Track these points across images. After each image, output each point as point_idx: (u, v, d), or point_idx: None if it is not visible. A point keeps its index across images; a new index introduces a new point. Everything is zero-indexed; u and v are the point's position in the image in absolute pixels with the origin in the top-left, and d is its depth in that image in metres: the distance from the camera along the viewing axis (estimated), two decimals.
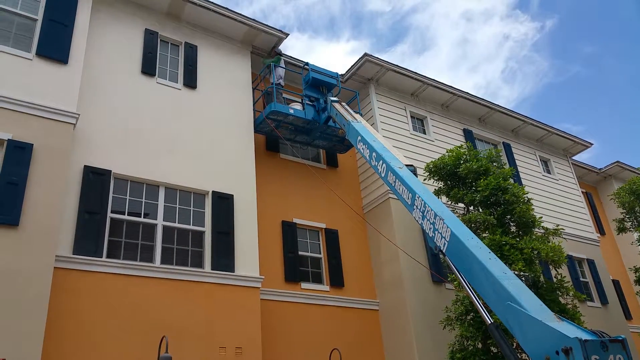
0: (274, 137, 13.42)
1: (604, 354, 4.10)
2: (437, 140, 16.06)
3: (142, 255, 9.82)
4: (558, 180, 19.07)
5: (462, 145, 12.92)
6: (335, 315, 12.34)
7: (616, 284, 19.13)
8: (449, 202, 12.71)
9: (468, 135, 17.08)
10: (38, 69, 9.59)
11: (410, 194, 7.15)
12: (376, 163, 8.39)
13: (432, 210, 6.54)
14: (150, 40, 11.99)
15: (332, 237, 13.35)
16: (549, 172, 19.26)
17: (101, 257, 9.18)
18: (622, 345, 4.21)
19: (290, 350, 11.28)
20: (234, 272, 10.45)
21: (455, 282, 10.91)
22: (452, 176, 12.34)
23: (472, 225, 11.35)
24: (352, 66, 15.21)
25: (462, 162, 12.19)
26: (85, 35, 10.48)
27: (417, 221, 7.02)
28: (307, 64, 13.37)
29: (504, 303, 5.02)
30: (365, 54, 14.89)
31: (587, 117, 60.93)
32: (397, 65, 15.46)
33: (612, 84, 59.34)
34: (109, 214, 9.72)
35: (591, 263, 17.84)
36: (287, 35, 13.62)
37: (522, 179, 17.46)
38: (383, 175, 8.10)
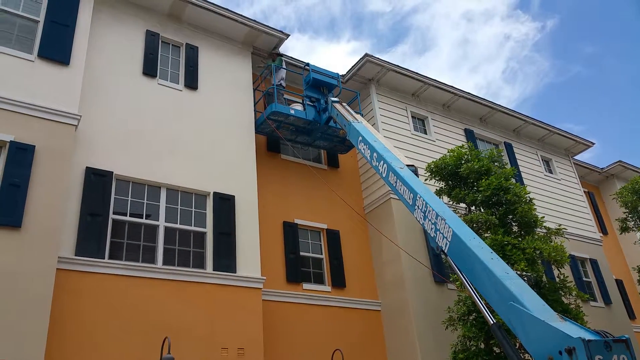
0: (275, 137, 13.42)
1: (608, 354, 4.08)
2: (438, 140, 16.05)
3: (144, 256, 9.83)
4: (560, 180, 19.04)
5: (463, 145, 12.91)
6: (337, 315, 12.33)
7: (619, 283, 19.09)
8: (451, 202, 12.69)
9: (469, 135, 17.06)
10: (40, 71, 9.60)
11: (411, 194, 7.14)
12: (377, 163, 8.38)
13: (433, 210, 6.53)
14: (152, 42, 11.99)
15: (333, 237, 13.34)
16: (550, 171, 19.23)
17: (103, 258, 9.19)
18: (626, 345, 4.20)
19: (292, 351, 11.27)
20: (235, 272, 10.44)
21: (457, 283, 10.89)
22: (453, 176, 12.32)
23: (474, 225, 11.33)
24: (352, 67, 15.20)
25: (463, 162, 12.17)
26: (87, 36, 10.49)
27: (418, 221, 7.00)
28: (307, 64, 13.36)
29: (506, 303, 5.00)
30: (366, 55, 14.89)
31: (588, 116, 60.90)
32: (397, 66, 15.45)
33: (613, 84, 59.30)
34: (111, 215, 9.73)
35: (594, 263, 17.80)
36: (287, 36, 13.63)
37: (523, 179, 17.43)
38: (384, 175, 8.09)
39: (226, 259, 10.49)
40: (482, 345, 10.48)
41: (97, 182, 9.75)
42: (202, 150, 11.44)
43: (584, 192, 20.58)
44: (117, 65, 11.23)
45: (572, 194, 19.01)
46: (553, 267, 11.95)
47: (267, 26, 13.38)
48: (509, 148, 18.10)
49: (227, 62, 13.12)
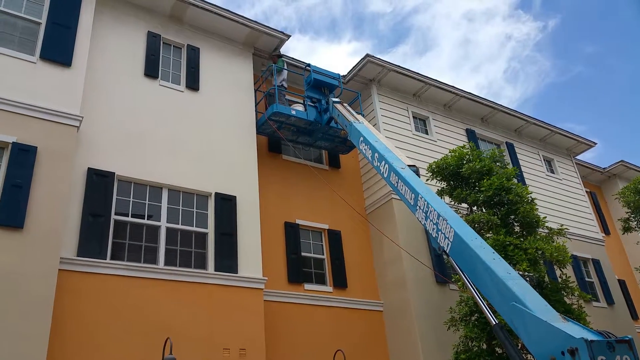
0: (276, 138, 13.43)
1: (611, 355, 4.07)
2: (440, 140, 16.04)
3: (145, 256, 9.84)
4: (562, 180, 19.02)
5: (464, 146, 12.89)
6: (339, 316, 12.33)
7: (622, 283, 19.04)
8: (452, 203, 12.67)
9: (471, 135, 17.05)
10: (42, 72, 9.62)
11: (412, 195, 7.12)
12: (378, 164, 8.37)
13: (435, 210, 6.52)
14: (153, 43, 12.01)
15: (335, 238, 13.34)
16: (552, 171, 19.21)
17: (105, 259, 9.20)
18: (629, 345, 4.18)
19: (293, 351, 11.26)
20: (237, 273, 10.45)
21: (459, 283, 10.89)
22: (455, 176, 12.31)
23: (476, 225, 11.32)
24: (353, 67, 15.20)
25: (465, 162, 12.16)
26: (89, 38, 10.51)
27: (420, 222, 6.99)
28: (308, 65, 13.36)
29: (508, 303, 4.99)
30: (367, 55, 14.89)
31: (590, 116, 60.83)
32: (398, 66, 15.45)
33: (614, 84, 59.23)
34: (113, 216, 9.74)
35: (596, 263, 17.78)
36: (288, 36, 13.63)
37: (525, 179, 17.41)
38: (385, 175, 8.08)
39: (228, 259, 10.49)
40: (484, 346, 10.47)
41: (99, 182, 9.76)
42: (204, 150, 11.45)
43: (586, 192, 20.55)
44: (118, 67, 11.25)
45: (574, 194, 18.98)
46: (555, 267, 11.95)
47: (268, 27, 13.39)
48: (511, 148, 18.08)
49: (229, 63, 13.13)
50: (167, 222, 10.36)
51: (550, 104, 62.56)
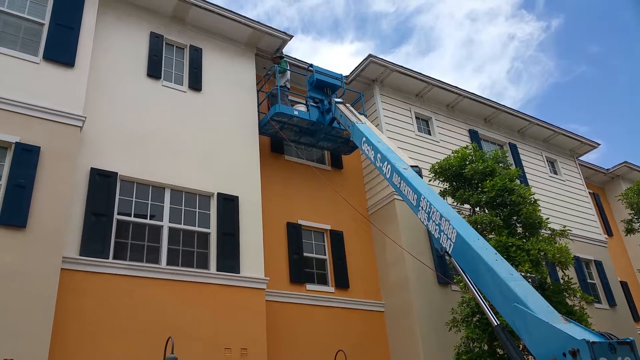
0: (279, 138, 13.44)
1: (612, 356, 4.07)
2: (443, 141, 16.02)
3: (148, 256, 9.86)
4: (565, 181, 18.99)
5: (467, 146, 12.88)
6: (341, 316, 12.33)
7: (624, 285, 19.00)
8: (455, 204, 12.66)
9: (473, 135, 17.03)
10: (45, 73, 9.65)
11: (415, 195, 7.13)
12: (381, 164, 8.37)
13: (437, 211, 6.52)
14: (156, 43, 12.03)
15: (337, 238, 13.34)
16: (555, 172, 19.18)
17: (107, 259, 9.22)
18: (630, 347, 4.18)
19: (295, 352, 11.27)
20: (239, 273, 10.46)
21: (461, 284, 10.87)
22: (457, 177, 12.30)
23: (478, 226, 11.31)
24: (356, 67, 15.20)
25: (467, 163, 12.14)
26: (92, 38, 10.53)
27: (422, 222, 6.99)
28: (311, 65, 13.37)
29: (510, 304, 4.99)
30: (370, 55, 14.89)
31: (593, 117, 60.70)
32: (401, 66, 15.44)
33: (618, 84, 59.09)
34: (115, 216, 9.76)
35: (599, 264, 17.74)
36: (291, 37, 13.64)
37: (528, 180, 17.38)
38: (388, 176, 8.08)
39: (230, 259, 10.51)
40: (486, 347, 10.46)
41: (101, 182, 9.78)
42: (206, 151, 11.46)
43: (589, 193, 20.51)
44: (121, 67, 11.27)
45: (577, 195, 18.95)
46: (557, 268, 11.90)
47: (271, 27, 13.40)
48: (514, 149, 18.05)
49: (231, 63, 13.15)
50: (169, 222, 10.38)
51: (553, 104, 62.50)
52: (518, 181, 12.30)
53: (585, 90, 61.36)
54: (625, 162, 21.79)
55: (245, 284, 10.43)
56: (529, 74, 62.10)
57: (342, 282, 12.78)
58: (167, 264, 9.93)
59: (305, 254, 12.68)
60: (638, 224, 16.95)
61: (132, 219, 10.02)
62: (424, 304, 12.39)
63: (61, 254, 8.47)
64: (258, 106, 13.20)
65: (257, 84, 13.56)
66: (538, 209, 11.65)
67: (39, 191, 8.53)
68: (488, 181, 11.48)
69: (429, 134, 16.11)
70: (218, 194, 11.08)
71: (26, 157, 8.64)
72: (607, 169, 22.17)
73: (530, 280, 10.69)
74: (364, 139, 9.28)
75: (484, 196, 11.45)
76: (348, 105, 11.48)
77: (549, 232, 12.13)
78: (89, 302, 8.73)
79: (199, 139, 11.50)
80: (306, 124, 12.96)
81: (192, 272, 9.98)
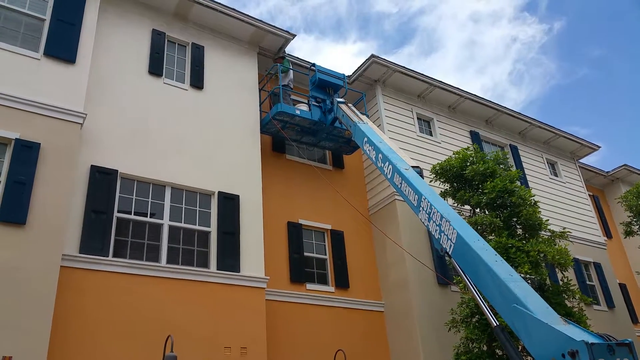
0: (280, 138, 13.43)
1: (611, 358, 4.08)
2: (444, 142, 16.02)
3: (148, 254, 9.86)
4: (565, 183, 18.99)
5: (468, 147, 12.88)
6: (341, 316, 12.33)
7: (623, 287, 19.01)
8: (455, 204, 12.66)
9: (475, 137, 17.03)
10: (46, 69, 9.64)
11: (416, 196, 7.13)
12: (382, 164, 8.37)
13: (438, 212, 6.53)
14: (158, 41, 12.03)
15: (337, 238, 13.34)
16: (556, 174, 19.18)
17: (107, 257, 9.22)
18: (629, 348, 4.19)
19: (294, 351, 11.27)
20: (239, 272, 10.46)
21: (460, 285, 10.87)
22: (458, 178, 12.30)
23: (478, 227, 11.31)
24: (358, 67, 15.20)
25: (468, 164, 12.15)
26: (93, 35, 10.52)
27: (423, 223, 7.00)
28: (313, 65, 13.37)
29: (509, 305, 5.00)
30: (372, 56, 14.88)
31: (594, 119, 60.70)
32: (403, 67, 15.44)
33: (620, 87, 59.08)
34: (116, 214, 9.75)
35: (598, 266, 17.75)
36: (293, 36, 13.63)
37: (528, 182, 17.39)
38: (389, 176, 8.08)
39: (230, 258, 10.50)
40: (485, 348, 10.46)
41: (102, 180, 9.78)
42: (207, 149, 11.46)
43: (589, 195, 20.52)
44: (123, 64, 11.26)
45: (577, 197, 18.95)
46: (557, 270, 11.92)
47: (273, 26, 13.40)
48: (515, 150, 18.06)
49: (233, 61, 13.14)
50: (169, 221, 10.38)
51: (555, 106, 62.48)
52: (518, 183, 12.30)
53: (587, 92, 61.38)
54: (625, 164, 21.80)
55: (246, 283, 10.43)
56: (531, 76, 62.13)
57: (342, 282, 12.78)
58: (167, 262, 9.93)
59: (305, 254, 12.68)
60: (637, 227, 16.93)
61: (132, 216, 10.01)
62: (423, 305, 12.40)
63: (61, 251, 8.47)
64: (260, 105, 13.20)
65: (259, 83, 13.55)
66: (538, 210, 11.67)
67: (38, 188, 8.52)
68: (488, 182, 11.49)
69: (431, 134, 16.11)
70: (219, 192, 11.08)
71: (26, 154, 8.64)
72: (607, 172, 22.18)
73: (529, 281, 10.69)
74: (365, 139, 9.28)
75: (485, 197, 11.46)
76: (350, 105, 11.48)
77: (548, 233, 12.14)
78: (88, 300, 8.72)
79: (200, 137, 11.50)
80: (308, 124, 12.96)
81: (192, 270, 9.98)
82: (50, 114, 9.22)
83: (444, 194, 12.44)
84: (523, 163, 17.90)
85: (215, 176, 11.24)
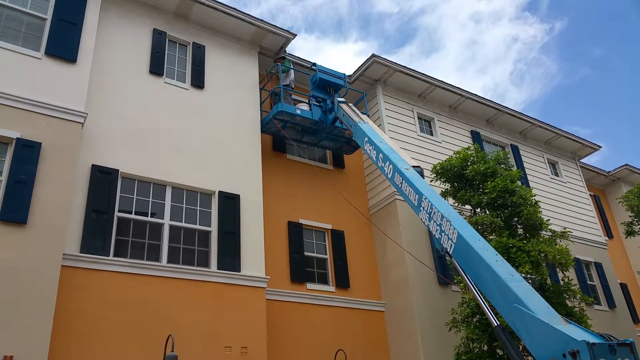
0: (281, 137, 13.42)
1: (612, 357, 4.07)
2: (445, 141, 16.02)
3: (148, 254, 9.86)
4: (566, 183, 18.97)
5: (469, 147, 12.87)
6: (341, 316, 12.33)
7: (624, 287, 19.00)
8: (456, 204, 12.65)
9: (475, 137, 17.02)
10: (47, 68, 9.65)
11: (416, 196, 7.13)
12: (383, 164, 8.37)
13: (438, 211, 6.52)
14: (159, 40, 12.03)
15: (338, 238, 13.34)
16: (556, 174, 19.17)
17: (108, 256, 9.22)
18: (630, 348, 4.18)
19: (295, 351, 11.27)
20: (239, 272, 10.46)
21: (461, 284, 10.86)
22: (459, 178, 12.29)
23: (479, 227, 11.30)
24: (359, 67, 15.19)
25: (469, 163, 12.14)
26: (94, 34, 10.53)
27: (423, 223, 7.00)
28: (314, 64, 13.36)
29: (510, 305, 5.00)
30: (373, 55, 14.88)
31: (595, 119, 60.66)
32: (404, 67, 15.43)
33: (621, 87, 59.04)
34: (116, 213, 9.76)
35: (599, 266, 17.74)
36: (294, 35, 13.63)
37: (529, 182, 17.38)
38: (390, 176, 8.08)
39: (231, 258, 10.51)
40: (486, 348, 10.46)
41: (102, 179, 9.78)
42: (208, 149, 11.46)
43: (590, 195, 20.50)
44: (123, 64, 11.27)
45: (577, 197, 18.94)
46: (558, 270, 11.91)
47: (274, 26, 13.39)
48: (516, 150, 18.04)
49: (234, 61, 13.14)
50: (170, 220, 10.38)
51: (556, 106, 62.45)
52: (519, 183, 12.29)
53: (588, 93, 61.35)
54: (626, 164, 21.78)
55: (246, 283, 10.43)
56: (532, 76, 62.09)
57: (342, 282, 12.78)
58: (168, 261, 9.93)
59: (306, 253, 12.68)
60: (638, 227, 16.94)
61: (133, 216, 10.01)
62: (424, 304, 12.40)
63: (62, 251, 8.47)
64: (261, 105, 13.19)
65: (259, 83, 13.55)
66: (539, 210, 11.65)
67: (39, 187, 8.52)
68: (489, 182, 11.48)
69: (431, 134, 16.10)
70: (219, 192, 11.08)
71: (27, 153, 8.64)
72: (608, 172, 22.17)
73: (530, 281, 10.68)
74: (366, 138, 9.28)
75: (485, 197, 11.45)
76: (351, 104, 11.48)
77: (549, 233, 12.13)
78: (89, 300, 8.72)
79: (200, 137, 11.50)
80: (309, 123, 12.95)
81: (193, 270, 9.98)
82: (52, 114, 9.22)
83: (444, 194, 12.43)
84: (524, 163, 17.89)
85: (216, 176, 11.25)
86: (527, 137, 18.88)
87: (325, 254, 13.11)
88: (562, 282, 12.15)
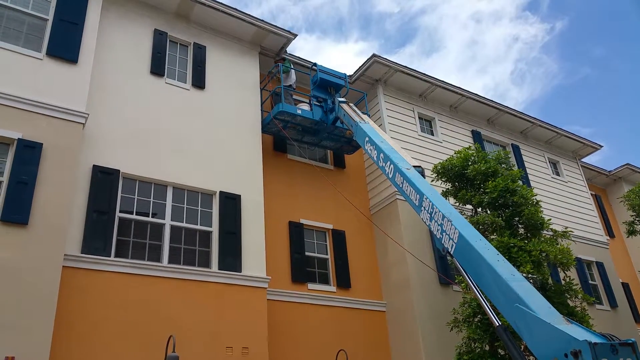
0: (282, 137, 13.42)
1: (614, 357, 4.06)
2: (445, 141, 16.01)
3: (149, 254, 9.86)
4: (567, 183, 18.96)
5: (470, 147, 12.86)
6: (342, 316, 12.33)
7: (625, 287, 18.99)
8: (457, 204, 12.64)
9: (476, 136, 17.02)
10: (48, 69, 9.65)
11: (417, 195, 7.12)
12: (384, 164, 8.36)
13: (439, 211, 6.51)
14: (160, 41, 12.03)
15: (339, 238, 13.34)
16: (557, 174, 19.15)
17: (109, 256, 9.23)
18: (632, 348, 4.17)
19: (296, 351, 11.27)
20: (241, 272, 10.46)
21: (462, 284, 10.86)
22: (460, 178, 12.29)
23: (480, 227, 11.29)
24: (360, 67, 15.19)
25: (470, 163, 12.13)
26: (95, 35, 10.53)
27: (424, 223, 6.99)
28: (315, 64, 13.36)
29: (512, 305, 4.99)
30: (374, 55, 14.87)
31: (596, 119, 60.61)
32: (405, 66, 15.42)
33: (622, 86, 58.98)
34: (117, 214, 9.76)
35: (600, 266, 17.73)
36: (295, 36, 13.63)
37: (530, 181, 17.37)
38: (390, 176, 8.07)
39: (231, 258, 10.51)
40: (487, 347, 10.45)
41: (103, 180, 9.79)
42: (209, 149, 11.46)
43: (591, 194, 20.48)
44: (124, 64, 11.27)
45: (579, 197, 18.92)
46: (559, 269, 11.90)
47: (275, 26, 13.39)
48: (516, 150, 18.03)
49: (235, 61, 13.15)
50: (171, 220, 10.38)
51: (556, 106, 62.40)
52: (520, 182, 12.28)
53: (589, 92, 61.29)
54: (628, 164, 21.76)
55: (247, 283, 10.43)
56: (533, 75, 62.05)
57: (343, 282, 12.78)
58: (169, 262, 9.93)
59: (307, 253, 12.67)
60: (639, 226, 16.93)
61: (134, 216, 10.02)
62: (425, 304, 12.39)
63: (63, 252, 8.48)
64: (261, 105, 13.19)
65: (260, 83, 13.55)
66: (540, 210, 11.65)
67: (41, 188, 8.52)
68: (490, 182, 11.47)
69: (432, 134, 16.09)
70: (220, 192, 11.08)
71: (28, 154, 8.64)
72: (609, 171, 22.15)
73: (531, 281, 10.67)
74: (367, 138, 9.27)
75: (486, 197, 11.44)
76: (351, 104, 11.47)
77: (550, 233, 12.12)
78: (90, 300, 8.73)
79: (201, 137, 11.50)
80: (309, 123, 12.95)
81: (194, 270, 9.98)
82: (53, 114, 9.22)
83: (445, 194, 12.43)
84: (525, 162, 17.87)
85: (217, 176, 11.25)
86: (528, 136, 18.87)
87: (326, 254, 13.10)
88: (563, 282, 12.14)
